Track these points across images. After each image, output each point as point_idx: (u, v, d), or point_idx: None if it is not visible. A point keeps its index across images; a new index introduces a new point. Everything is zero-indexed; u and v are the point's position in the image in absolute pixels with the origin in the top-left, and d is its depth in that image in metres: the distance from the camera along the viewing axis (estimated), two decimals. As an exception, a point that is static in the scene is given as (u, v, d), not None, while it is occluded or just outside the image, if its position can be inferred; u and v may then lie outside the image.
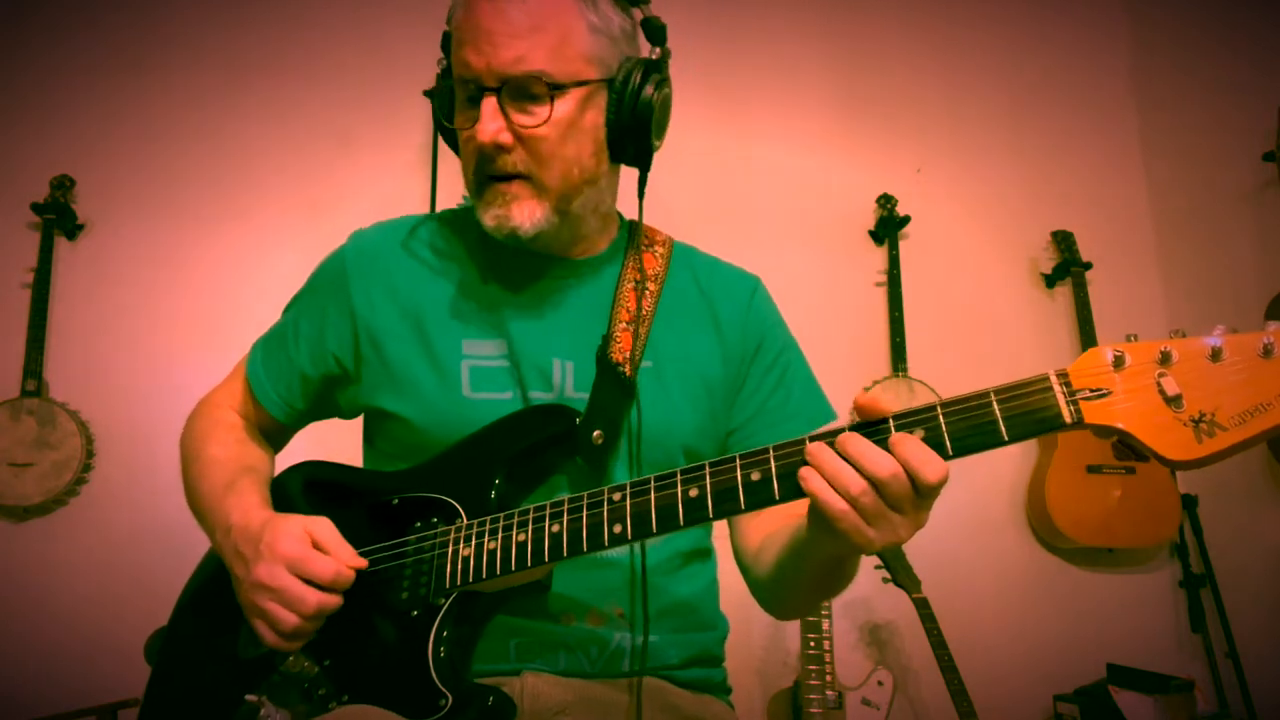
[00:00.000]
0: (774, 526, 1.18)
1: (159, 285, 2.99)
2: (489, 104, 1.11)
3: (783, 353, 1.33)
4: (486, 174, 1.16)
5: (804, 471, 0.89)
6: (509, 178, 1.15)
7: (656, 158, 1.22)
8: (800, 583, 1.11)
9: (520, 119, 1.12)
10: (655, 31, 1.20)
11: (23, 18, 3.09)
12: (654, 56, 1.20)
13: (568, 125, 1.14)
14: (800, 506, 1.01)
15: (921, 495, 0.85)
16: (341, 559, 1.04)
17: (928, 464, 0.84)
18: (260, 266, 2.99)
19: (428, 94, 1.26)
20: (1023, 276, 3.31)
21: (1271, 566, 2.92)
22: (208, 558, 1.29)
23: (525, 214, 1.15)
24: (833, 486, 0.86)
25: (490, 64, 1.10)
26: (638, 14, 1.21)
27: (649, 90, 1.17)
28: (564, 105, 1.13)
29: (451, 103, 1.19)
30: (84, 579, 2.77)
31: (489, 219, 1.17)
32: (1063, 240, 3.25)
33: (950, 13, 3.48)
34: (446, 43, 1.21)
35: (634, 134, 1.18)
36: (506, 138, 1.12)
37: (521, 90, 1.11)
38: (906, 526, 0.87)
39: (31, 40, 3.09)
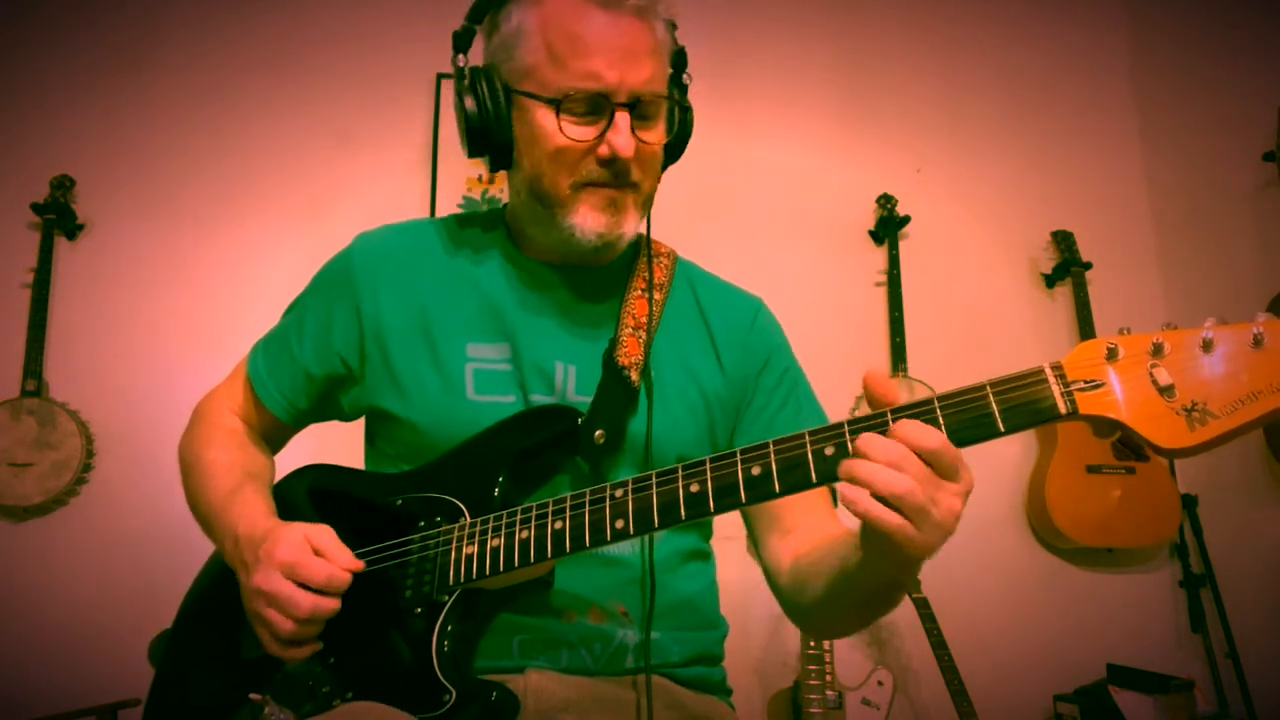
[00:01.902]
0: (805, 548, 1.19)
1: (159, 285, 2.99)
2: (624, 119, 1.13)
3: (789, 371, 1.35)
4: (598, 182, 1.17)
5: (844, 488, 0.87)
6: (626, 187, 1.18)
7: None
8: (851, 608, 1.12)
9: (643, 135, 1.16)
10: (683, 59, 1.26)
11: (23, 18, 3.10)
12: (687, 81, 1.26)
13: (664, 143, 1.21)
14: (828, 523, 1.02)
15: (941, 472, 0.84)
16: (338, 561, 1.04)
17: (923, 435, 0.84)
18: (260, 266, 3.00)
19: (472, 92, 1.23)
20: (1023, 276, 3.32)
21: (1271, 566, 2.91)
22: (212, 560, 1.30)
23: (630, 223, 1.20)
24: (875, 495, 0.85)
25: (625, 80, 1.12)
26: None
27: (690, 115, 1.25)
28: (665, 124, 1.20)
29: (509, 104, 1.19)
30: (84, 579, 2.78)
31: (597, 225, 1.18)
32: (1063, 240, 3.25)
33: (950, 13, 3.49)
34: (463, 40, 1.22)
35: (675, 152, 1.26)
36: (634, 152, 1.15)
37: (644, 109, 1.15)
38: (945, 522, 0.85)
39: (31, 40, 3.09)
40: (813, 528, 1.19)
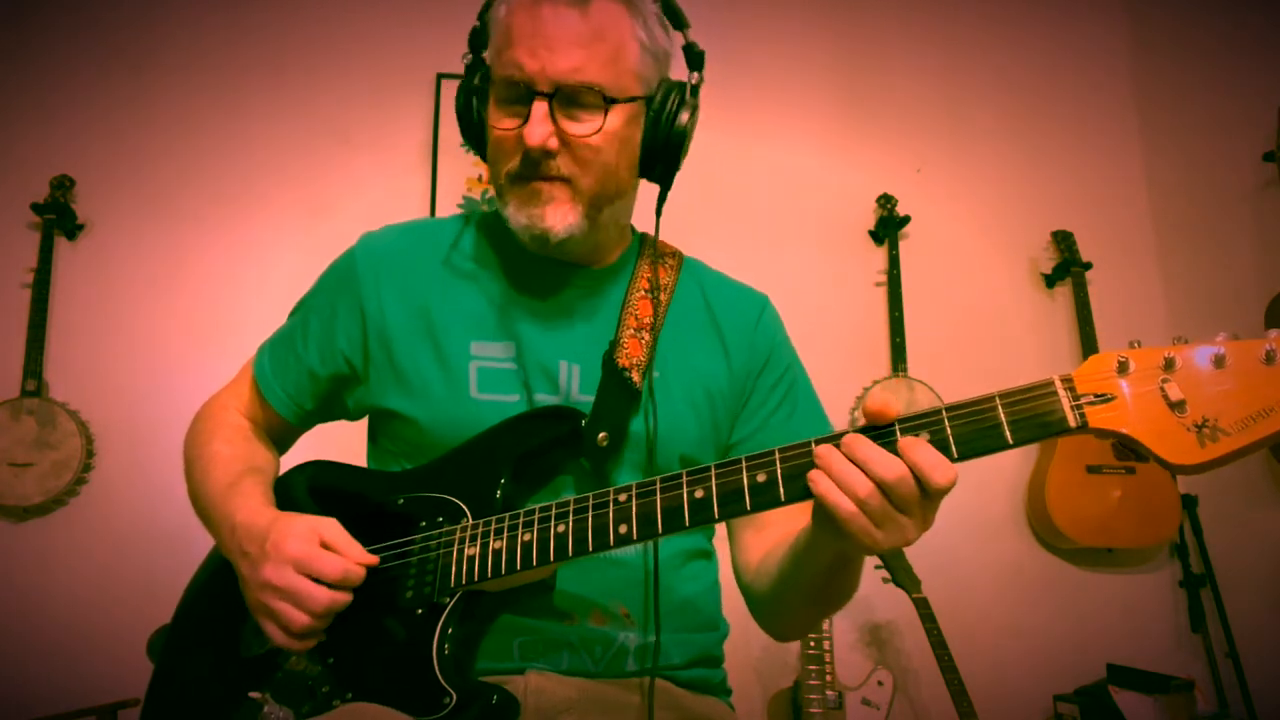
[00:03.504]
0: (774, 543, 1.18)
1: (159, 285, 2.99)
2: (540, 108, 1.11)
3: (789, 369, 1.35)
4: (522, 174, 1.16)
5: (813, 474, 0.90)
6: (550, 179, 1.15)
7: None
8: (802, 590, 1.11)
9: (569, 126, 1.13)
10: (696, 58, 1.23)
11: (23, 18, 3.09)
12: (693, 82, 1.22)
13: (615, 138, 1.16)
14: (803, 519, 1.02)
15: (929, 497, 0.86)
16: (351, 556, 1.05)
17: (937, 467, 0.85)
18: (260, 266, 2.99)
19: (461, 87, 1.24)
20: (1023, 276, 3.31)
21: (1271, 566, 2.92)
22: (211, 556, 1.29)
23: (560, 217, 1.16)
24: (841, 489, 0.87)
25: (545, 69, 1.10)
26: (679, 38, 1.23)
27: (684, 116, 1.19)
28: (614, 118, 1.15)
29: (484, 98, 1.20)
30: (84, 579, 2.77)
31: (521, 218, 1.17)
32: (1063, 240, 3.25)
33: (950, 13, 3.48)
34: (475, 38, 1.21)
35: (665, 155, 1.21)
36: (554, 143, 1.13)
37: (573, 98, 1.12)
38: (914, 528, 0.88)
39: (31, 40, 3.09)
40: (788, 524, 1.17)
